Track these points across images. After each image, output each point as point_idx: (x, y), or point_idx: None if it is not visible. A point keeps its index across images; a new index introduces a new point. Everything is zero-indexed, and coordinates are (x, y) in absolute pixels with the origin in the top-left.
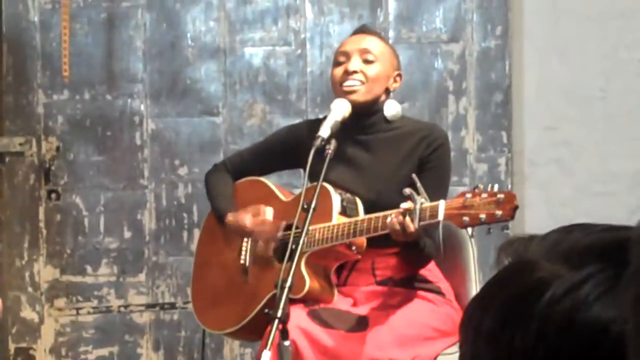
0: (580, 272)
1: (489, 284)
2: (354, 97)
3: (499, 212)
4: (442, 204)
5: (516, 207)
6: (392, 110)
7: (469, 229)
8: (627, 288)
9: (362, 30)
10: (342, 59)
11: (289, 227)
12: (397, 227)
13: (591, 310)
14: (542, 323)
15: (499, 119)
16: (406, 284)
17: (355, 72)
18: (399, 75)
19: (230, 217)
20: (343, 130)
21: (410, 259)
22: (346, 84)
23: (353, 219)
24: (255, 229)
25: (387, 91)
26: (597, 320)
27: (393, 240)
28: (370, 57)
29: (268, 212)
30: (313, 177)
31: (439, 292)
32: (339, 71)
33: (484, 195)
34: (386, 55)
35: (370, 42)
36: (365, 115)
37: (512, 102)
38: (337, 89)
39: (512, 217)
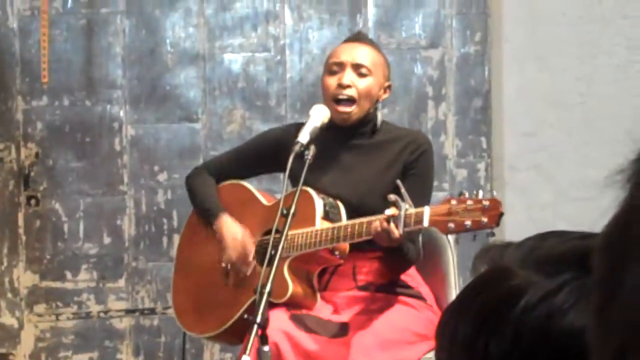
0: (555, 279)
1: (464, 290)
2: (346, 117)
3: (484, 219)
4: (427, 210)
5: (501, 214)
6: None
7: (455, 235)
8: (588, 299)
9: (357, 38)
10: (335, 68)
11: (270, 232)
12: (382, 233)
13: (565, 318)
14: (517, 330)
15: (478, 125)
16: (387, 289)
17: (348, 85)
18: (389, 86)
19: (222, 219)
20: (329, 135)
21: (392, 264)
22: (340, 98)
23: (337, 224)
24: (229, 252)
25: (377, 101)
26: (571, 327)
27: (375, 244)
28: (364, 70)
29: (249, 247)
30: (295, 182)
31: (419, 297)
32: (332, 81)
33: (469, 202)
34: (379, 67)
35: (364, 55)
36: (355, 126)
37: (492, 107)
38: (328, 101)
39: (497, 224)
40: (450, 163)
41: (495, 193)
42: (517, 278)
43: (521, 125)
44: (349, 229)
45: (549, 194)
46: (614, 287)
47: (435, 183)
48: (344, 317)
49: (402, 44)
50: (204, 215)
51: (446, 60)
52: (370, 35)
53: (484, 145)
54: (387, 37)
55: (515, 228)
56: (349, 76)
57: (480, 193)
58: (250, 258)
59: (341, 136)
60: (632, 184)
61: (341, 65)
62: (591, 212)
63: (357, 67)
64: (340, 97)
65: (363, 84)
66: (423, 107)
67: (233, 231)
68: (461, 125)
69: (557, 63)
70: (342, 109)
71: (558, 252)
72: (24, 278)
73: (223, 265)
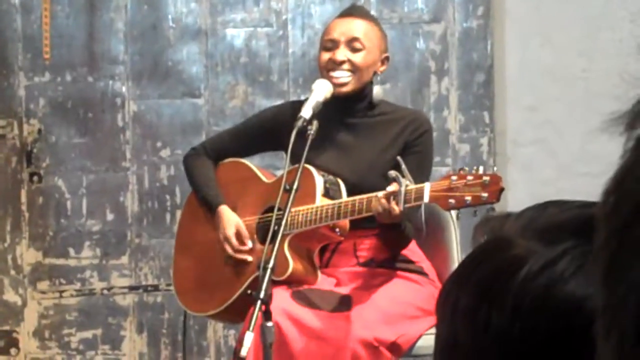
0: (556, 248)
1: (464, 262)
2: (343, 89)
3: (484, 195)
4: (427, 186)
5: (502, 189)
6: (377, 96)
7: (456, 211)
8: (594, 265)
9: (350, 12)
10: (329, 44)
11: (270, 209)
12: (382, 209)
13: (566, 287)
14: (518, 299)
15: (481, 99)
16: (388, 265)
17: (343, 61)
18: (387, 57)
19: (219, 212)
20: (329, 113)
21: (391, 240)
22: (334, 74)
23: (337, 201)
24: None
25: (374, 74)
26: (572, 296)
27: (375, 221)
28: (358, 45)
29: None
30: (295, 158)
31: (421, 272)
32: (325, 57)
33: (470, 177)
34: (374, 40)
35: (358, 28)
36: (353, 99)
37: (494, 82)
38: (324, 75)
39: (497, 199)
40: (453, 138)
41: (495, 169)
42: (517, 247)
43: (524, 100)
44: (349, 206)
45: (552, 169)
46: (624, 249)
47: (438, 158)
48: (346, 290)
49: (404, 19)
50: (204, 203)
51: (449, 35)
52: (372, 10)
53: (487, 120)
54: (389, 12)
55: (518, 203)
56: (342, 52)
57: (481, 169)
58: (248, 247)
59: (341, 114)
60: (636, 133)
61: (335, 42)
62: (594, 187)
63: (350, 42)
64: (334, 72)
65: (357, 57)
66: (425, 82)
67: (227, 224)
68: (464, 100)
69: (560, 37)
70: (337, 81)
71: (558, 221)
72: (27, 255)
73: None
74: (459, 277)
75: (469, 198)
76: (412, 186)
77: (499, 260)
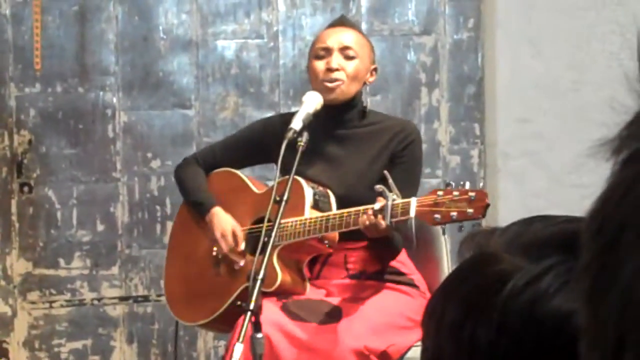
0: (541, 264)
1: (450, 277)
2: (334, 96)
3: (470, 210)
4: (413, 201)
5: (487, 205)
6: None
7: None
8: (578, 285)
9: (341, 22)
10: (321, 52)
11: (260, 220)
12: (369, 224)
13: (551, 302)
14: (503, 315)
15: (471, 111)
16: (379, 277)
17: (337, 69)
18: (375, 69)
19: (213, 212)
20: (318, 124)
21: (379, 252)
22: (329, 82)
23: (325, 214)
24: (220, 244)
25: (364, 84)
26: (558, 311)
27: (366, 237)
28: (351, 53)
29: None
30: (286, 170)
31: (412, 284)
32: (320, 65)
33: (456, 193)
34: (365, 50)
35: (350, 38)
36: (342, 110)
37: (485, 94)
38: (317, 83)
39: (483, 215)
40: (444, 150)
41: (481, 183)
42: (502, 263)
43: (514, 111)
44: (338, 219)
45: (543, 180)
46: (608, 269)
47: (428, 170)
48: (336, 300)
49: (395, 31)
50: (196, 209)
51: (439, 47)
52: (363, 22)
53: (477, 132)
54: (380, 24)
55: (508, 215)
56: (336, 59)
57: (467, 184)
58: (241, 248)
59: (330, 126)
60: (623, 156)
61: (328, 50)
62: (585, 199)
63: (343, 50)
64: (328, 80)
65: (351, 66)
66: (416, 94)
67: (224, 223)
68: (454, 111)
69: (551, 50)
70: (332, 85)
71: (543, 236)
72: (17, 265)
73: (214, 254)
74: (444, 292)
75: (454, 214)
76: (399, 201)
77: (484, 275)
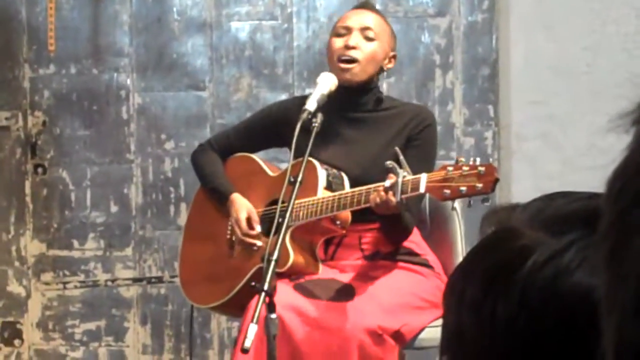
0: (563, 239)
1: (471, 252)
2: (348, 76)
3: (479, 185)
4: (423, 177)
5: (496, 180)
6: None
7: (460, 204)
8: (598, 248)
9: (365, 5)
10: (342, 31)
11: (274, 202)
12: (379, 201)
13: (573, 277)
14: (524, 290)
15: (485, 93)
16: (393, 257)
17: (354, 47)
18: (394, 56)
19: (231, 199)
20: (334, 106)
21: (389, 232)
22: (343, 62)
23: (336, 194)
24: (236, 227)
25: (381, 70)
26: (579, 286)
27: (378, 216)
28: (370, 34)
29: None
30: (300, 152)
31: (426, 264)
32: (338, 42)
33: (465, 168)
34: (385, 34)
35: (372, 20)
36: (358, 93)
37: (499, 76)
38: (333, 60)
39: (492, 190)
40: (458, 131)
41: (496, 162)
42: (524, 238)
43: (528, 93)
44: (348, 198)
45: (556, 163)
46: (627, 232)
47: (442, 152)
48: (349, 279)
49: (409, 13)
50: (214, 197)
51: (454, 29)
52: (378, 4)
53: (491, 114)
54: (394, 6)
55: (522, 197)
56: (355, 38)
57: (478, 160)
58: (257, 231)
59: (346, 108)
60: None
61: (348, 29)
62: (599, 181)
63: (363, 30)
64: (345, 57)
65: (369, 47)
66: (430, 76)
67: (240, 209)
68: (468, 93)
69: (565, 32)
70: (345, 65)
71: (565, 212)
72: (31, 246)
73: (228, 237)
74: (465, 267)
75: (464, 188)
76: (409, 177)
77: (505, 251)
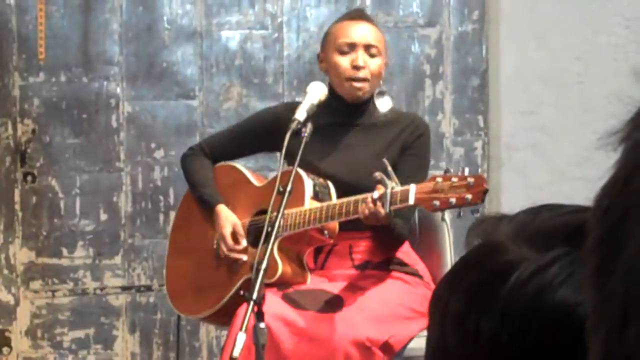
0: (547, 255)
1: (457, 265)
2: (360, 94)
3: (468, 196)
4: (412, 188)
5: (486, 191)
6: (385, 106)
7: (448, 214)
8: (584, 265)
9: (361, 16)
10: (345, 48)
11: (261, 212)
12: (368, 212)
13: (557, 294)
14: (507, 307)
15: (475, 103)
16: (383, 267)
17: (363, 67)
18: (387, 63)
19: (216, 210)
20: (328, 114)
21: (382, 241)
22: (356, 82)
23: (324, 204)
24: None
25: None
26: (563, 303)
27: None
28: (374, 51)
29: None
30: (291, 160)
31: (416, 274)
32: (344, 62)
33: (454, 179)
34: (384, 46)
35: (374, 35)
36: (357, 104)
37: (489, 86)
38: (340, 79)
39: (482, 201)
40: (447, 141)
41: (482, 172)
42: (508, 253)
43: (518, 104)
44: (337, 209)
45: (546, 173)
46: (614, 249)
47: (432, 162)
48: (337, 289)
49: (399, 22)
50: (202, 204)
51: (444, 39)
52: (368, 13)
53: (481, 124)
54: (384, 15)
55: (512, 207)
56: (362, 57)
57: (466, 170)
58: (243, 245)
59: (340, 116)
60: (629, 143)
61: (353, 46)
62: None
63: (368, 48)
64: (356, 77)
65: (374, 64)
66: (420, 86)
67: (224, 223)
68: (458, 103)
69: (556, 42)
70: (358, 84)
71: (550, 227)
72: (20, 254)
73: (215, 247)
74: (450, 281)
75: (453, 200)
76: (398, 188)
77: (489, 266)
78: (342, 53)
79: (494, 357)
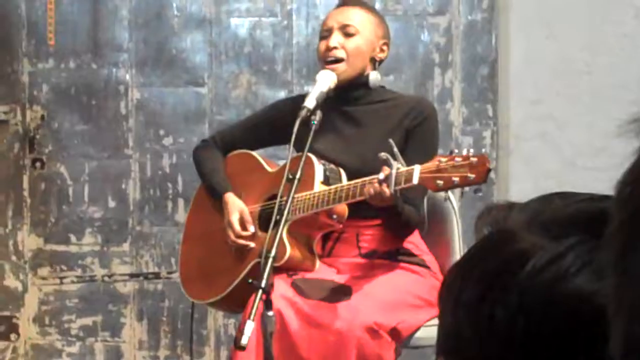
0: (562, 243)
1: (468, 254)
2: (336, 74)
3: (471, 175)
4: (417, 168)
5: (489, 170)
6: (375, 81)
7: (458, 203)
8: (606, 250)
9: (345, 2)
10: (325, 34)
11: (272, 197)
12: (373, 192)
13: (572, 282)
14: (523, 295)
15: (484, 92)
16: (390, 257)
17: (335, 47)
18: (386, 44)
19: (224, 199)
20: (330, 101)
21: (390, 227)
22: (328, 63)
23: (331, 187)
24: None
25: (373, 61)
26: (579, 292)
27: (377, 210)
28: (351, 30)
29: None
30: (299, 148)
31: (423, 264)
32: (322, 45)
33: (458, 158)
34: (368, 25)
35: (350, 15)
36: (352, 87)
37: (498, 75)
38: (321, 64)
39: (485, 180)
40: (456, 130)
41: (494, 160)
42: (522, 242)
43: (527, 93)
44: (344, 191)
45: (555, 162)
46: (635, 235)
47: (441, 150)
48: (346, 279)
49: (409, 11)
50: (210, 194)
51: (453, 28)
52: (377, 2)
53: (490, 113)
54: (394, 4)
55: (520, 196)
56: (335, 38)
57: (471, 151)
58: (250, 231)
59: (342, 103)
60: None
61: (329, 30)
62: (597, 181)
63: (343, 28)
64: (329, 59)
65: (351, 43)
66: (429, 74)
67: (232, 211)
68: (467, 92)
69: (565, 31)
70: (330, 67)
71: (564, 215)
72: (29, 241)
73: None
74: (462, 269)
75: (456, 179)
76: (403, 168)
77: (503, 254)
78: (322, 39)
79: (509, 345)
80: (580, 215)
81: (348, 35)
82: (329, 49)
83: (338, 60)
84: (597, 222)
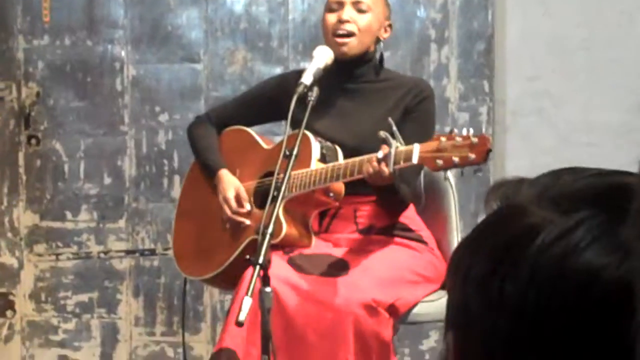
0: (572, 217)
1: (478, 228)
2: (345, 49)
3: (472, 155)
4: (416, 148)
5: (489, 150)
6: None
7: (454, 178)
8: (633, 224)
9: None
10: (335, 6)
11: (268, 174)
12: (372, 171)
13: (582, 257)
14: (533, 269)
15: (481, 68)
16: (387, 232)
17: (347, 21)
18: (390, 25)
19: (219, 175)
20: (331, 78)
21: (385, 204)
22: (339, 37)
23: (329, 165)
24: (224, 198)
25: (377, 40)
26: (589, 266)
27: (371, 186)
28: (363, 6)
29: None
30: (296, 124)
31: (420, 240)
32: (332, 18)
33: (458, 138)
34: (379, 4)
35: None
36: (355, 64)
37: (495, 51)
38: (329, 37)
39: (485, 160)
40: (452, 106)
41: (491, 136)
42: (532, 216)
43: (524, 69)
44: (342, 169)
45: (551, 138)
46: None
47: (437, 127)
48: (343, 253)
49: None
50: (205, 171)
51: (449, 3)
52: None
53: (486, 89)
54: None
55: (517, 172)
56: (348, 12)
57: (471, 130)
58: (246, 208)
59: (343, 80)
60: None
61: (341, 3)
62: (593, 157)
63: (356, 4)
64: (340, 31)
65: (363, 19)
66: (425, 50)
67: (227, 187)
68: (463, 68)
69: (561, 7)
70: (341, 40)
71: (574, 190)
72: (24, 218)
73: (220, 210)
74: (471, 244)
75: (456, 159)
76: (402, 147)
77: (513, 229)
78: (331, 11)
79: (519, 319)
80: (589, 190)
81: (360, 11)
82: (341, 21)
83: (350, 35)
84: (607, 197)
